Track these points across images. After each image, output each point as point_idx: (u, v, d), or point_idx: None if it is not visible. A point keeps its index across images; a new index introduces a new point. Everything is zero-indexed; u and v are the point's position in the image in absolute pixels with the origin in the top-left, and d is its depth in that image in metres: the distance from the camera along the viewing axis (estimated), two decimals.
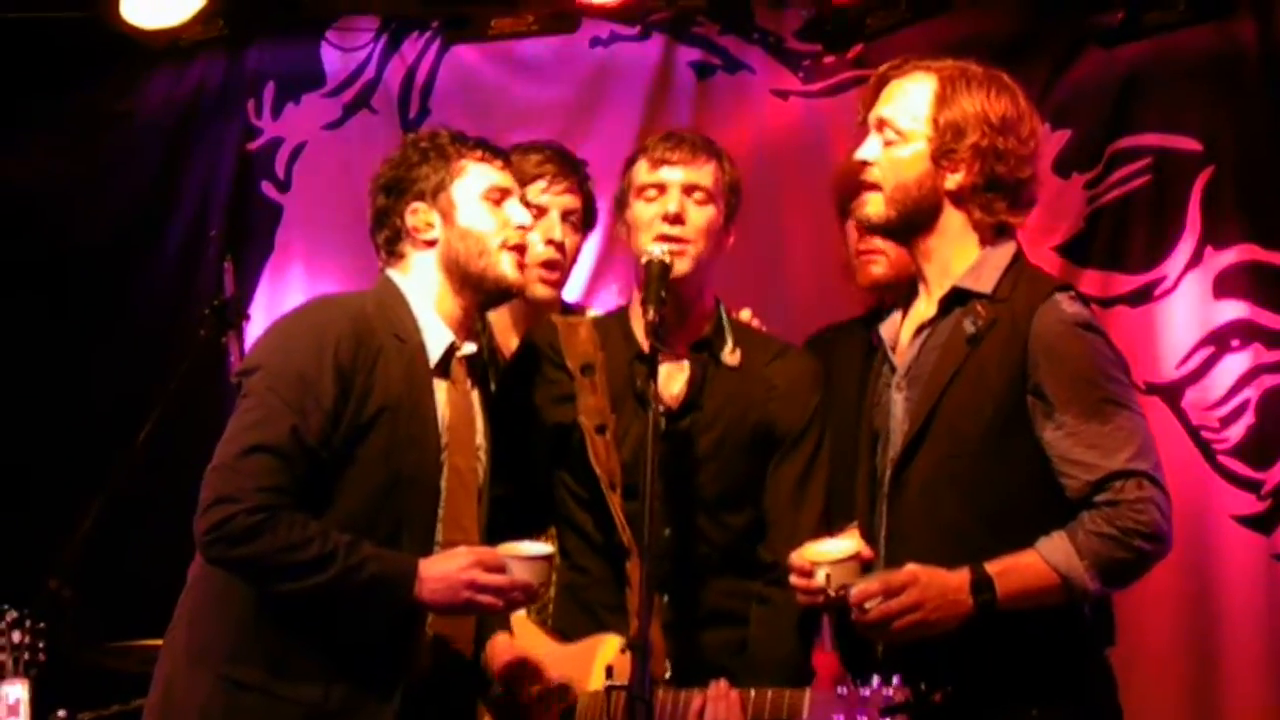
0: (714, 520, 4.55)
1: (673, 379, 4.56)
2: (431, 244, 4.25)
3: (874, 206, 4.10)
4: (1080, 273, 6.65)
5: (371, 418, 4.05)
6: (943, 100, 4.04)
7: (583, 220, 5.11)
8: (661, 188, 4.54)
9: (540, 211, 4.96)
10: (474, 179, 4.29)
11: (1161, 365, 6.65)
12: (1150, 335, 6.68)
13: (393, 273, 4.29)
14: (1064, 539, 3.84)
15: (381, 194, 4.31)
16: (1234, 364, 6.64)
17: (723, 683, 4.24)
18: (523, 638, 4.49)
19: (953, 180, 4.03)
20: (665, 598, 4.43)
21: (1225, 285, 6.66)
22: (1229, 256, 6.67)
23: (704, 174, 4.56)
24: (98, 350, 6.89)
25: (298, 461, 3.96)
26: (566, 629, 4.57)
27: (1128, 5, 6.57)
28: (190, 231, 7.03)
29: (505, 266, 4.25)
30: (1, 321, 6.83)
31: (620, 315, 4.72)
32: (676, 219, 4.50)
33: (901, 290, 4.79)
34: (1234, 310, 6.66)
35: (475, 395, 4.32)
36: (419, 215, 4.25)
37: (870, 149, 4.11)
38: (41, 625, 5.36)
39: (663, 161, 4.56)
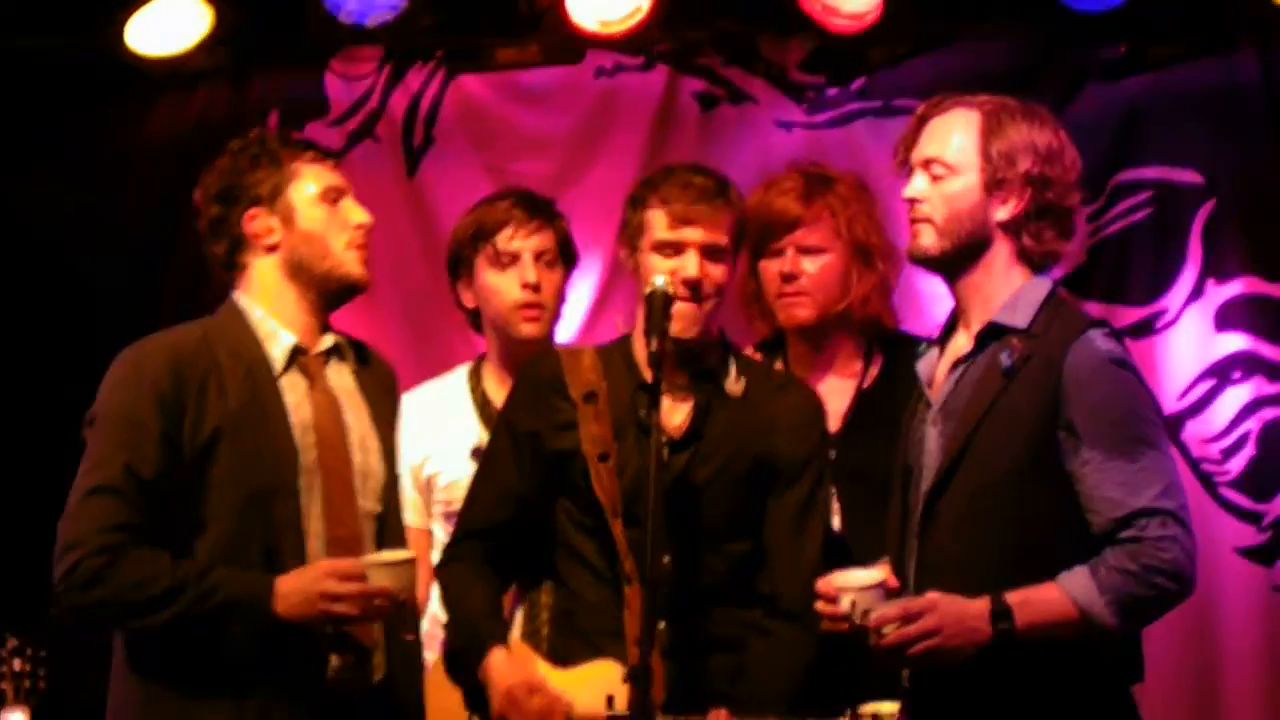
0: (715, 549, 4.56)
1: (676, 409, 4.56)
2: (273, 248, 4.28)
3: (927, 238, 4.10)
4: (1082, 305, 6.64)
5: (210, 439, 4.09)
6: (990, 131, 4.06)
7: (559, 257, 5.14)
8: (679, 249, 4.52)
9: (513, 257, 5.04)
10: (310, 180, 4.31)
11: (1163, 398, 6.59)
12: (1151, 368, 6.66)
13: (236, 294, 4.32)
14: (1086, 574, 3.85)
15: (215, 203, 4.32)
16: (1235, 396, 6.65)
17: (722, 712, 4.27)
18: (518, 662, 4.51)
19: (1005, 210, 4.05)
20: (663, 625, 4.42)
21: (1227, 318, 6.68)
22: (1231, 289, 6.68)
23: (722, 230, 4.54)
24: (102, 380, 6.88)
25: (137, 498, 4.02)
26: (562, 655, 4.59)
27: (1130, 39, 6.59)
28: (195, 261, 7.02)
29: (351, 265, 4.31)
30: (7, 351, 6.84)
31: (623, 344, 4.73)
32: (697, 285, 4.49)
33: (822, 332, 4.92)
34: (1235, 343, 6.67)
35: (349, 384, 4.35)
36: (258, 221, 4.27)
37: (918, 186, 4.11)
38: (42, 654, 5.36)
39: (684, 222, 4.51)
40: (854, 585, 4.03)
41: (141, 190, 7.10)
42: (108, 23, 6.50)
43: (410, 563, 4.14)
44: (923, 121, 4.18)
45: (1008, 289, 4.09)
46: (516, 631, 4.74)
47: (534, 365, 4.78)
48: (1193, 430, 6.67)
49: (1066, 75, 6.81)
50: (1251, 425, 6.62)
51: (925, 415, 4.17)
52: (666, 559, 4.42)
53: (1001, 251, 4.09)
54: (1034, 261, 4.10)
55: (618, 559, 4.47)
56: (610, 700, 4.33)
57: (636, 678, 4.00)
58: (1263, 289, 6.66)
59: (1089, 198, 6.70)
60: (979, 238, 4.08)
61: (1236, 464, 6.63)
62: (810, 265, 4.96)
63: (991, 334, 4.07)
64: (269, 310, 4.27)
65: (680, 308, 4.42)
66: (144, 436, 4.06)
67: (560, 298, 5.25)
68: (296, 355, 4.27)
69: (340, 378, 4.36)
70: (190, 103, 7.14)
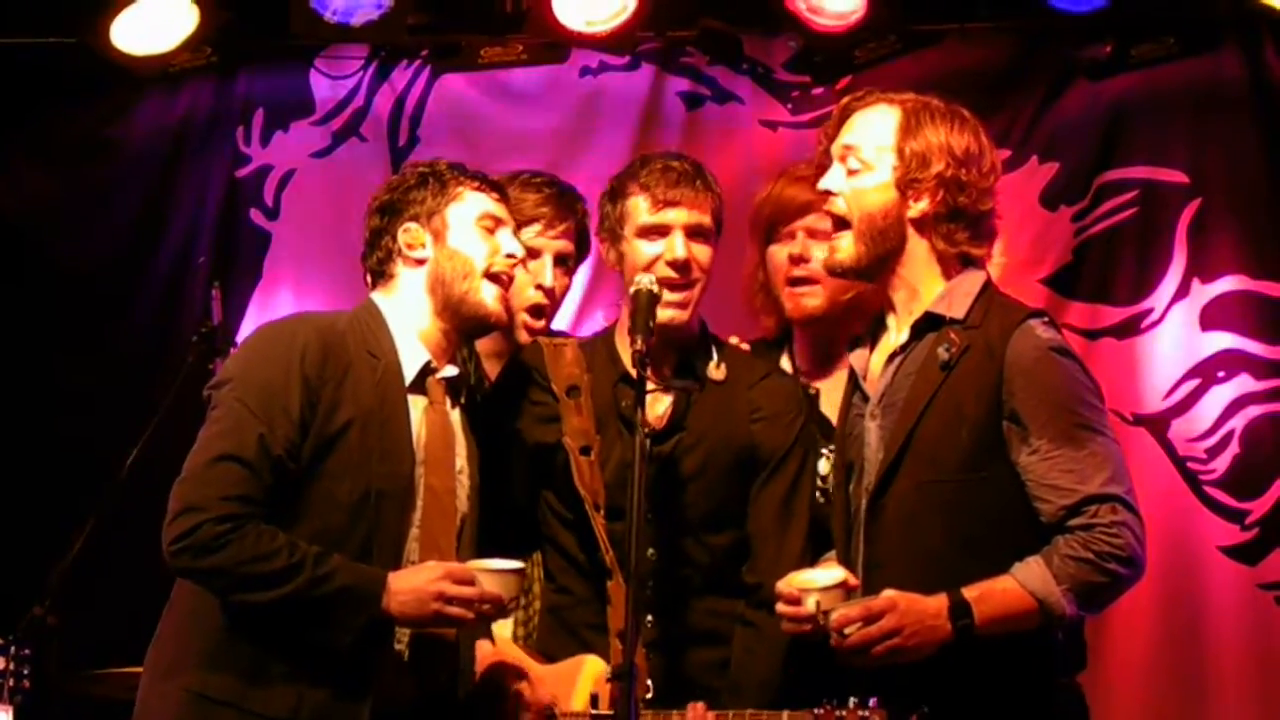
0: (697, 541, 4.57)
1: (657, 401, 4.57)
2: (421, 263, 4.28)
3: (846, 251, 4.13)
4: (1067, 305, 6.67)
5: (340, 429, 4.07)
6: (908, 130, 4.09)
7: (575, 259, 5.06)
8: (665, 231, 4.53)
9: (533, 254, 4.90)
10: (470, 205, 4.32)
11: (1148, 397, 6.66)
12: (1137, 367, 6.70)
13: (377, 295, 4.32)
14: (1040, 564, 3.87)
15: (376, 215, 4.34)
16: (1220, 395, 6.65)
17: (700, 705, 4.26)
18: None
19: (916, 209, 4.07)
20: (649, 619, 4.44)
21: (1212, 317, 6.69)
22: (1216, 288, 6.69)
23: (705, 211, 4.56)
24: (84, 376, 6.88)
25: (265, 471, 3.98)
26: (550, 650, 4.58)
27: (1116, 39, 6.60)
28: (178, 259, 7.03)
29: (485, 294, 4.28)
30: None
31: (606, 338, 4.75)
32: (685, 266, 4.50)
33: (831, 324, 4.81)
34: (1221, 341, 6.67)
35: (457, 419, 4.32)
36: (411, 234, 4.28)
37: (834, 179, 4.15)
38: (26, 652, 5.35)
39: (666, 203, 4.53)
40: (817, 586, 4.02)
41: (126, 187, 7.10)
42: (94, 21, 6.49)
43: (519, 572, 4.13)
44: (845, 113, 4.21)
45: (931, 283, 4.11)
46: (506, 632, 4.74)
47: (516, 361, 4.78)
48: (1178, 429, 6.67)
49: (1052, 75, 6.83)
50: (1236, 423, 6.63)
51: (863, 409, 4.17)
52: (651, 552, 4.44)
53: (918, 248, 4.11)
54: (951, 261, 4.11)
55: (599, 552, 4.47)
56: (594, 699, 4.33)
57: (621, 678, 3.99)
58: (1248, 287, 6.67)
59: (1074, 197, 6.77)
60: (894, 235, 4.10)
61: (1221, 462, 6.63)
62: (820, 252, 4.74)
63: (928, 324, 4.08)
64: (406, 323, 4.27)
65: (670, 296, 4.43)
66: (282, 413, 4.02)
67: (562, 301, 5.19)
68: (425, 373, 4.27)
69: (453, 409, 4.36)
70: (175, 101, 7.15)
